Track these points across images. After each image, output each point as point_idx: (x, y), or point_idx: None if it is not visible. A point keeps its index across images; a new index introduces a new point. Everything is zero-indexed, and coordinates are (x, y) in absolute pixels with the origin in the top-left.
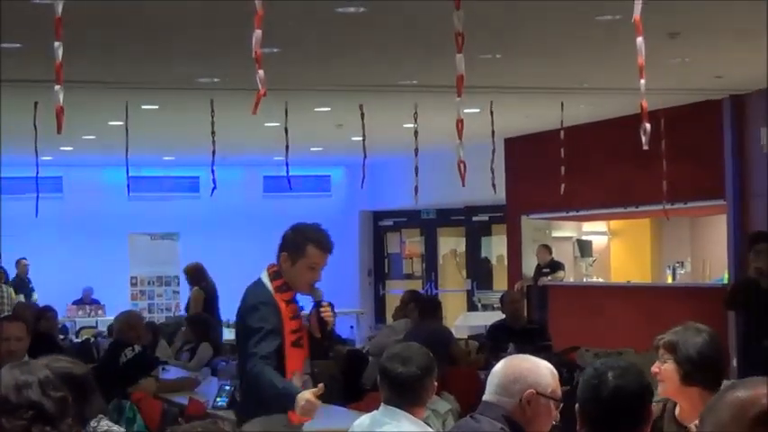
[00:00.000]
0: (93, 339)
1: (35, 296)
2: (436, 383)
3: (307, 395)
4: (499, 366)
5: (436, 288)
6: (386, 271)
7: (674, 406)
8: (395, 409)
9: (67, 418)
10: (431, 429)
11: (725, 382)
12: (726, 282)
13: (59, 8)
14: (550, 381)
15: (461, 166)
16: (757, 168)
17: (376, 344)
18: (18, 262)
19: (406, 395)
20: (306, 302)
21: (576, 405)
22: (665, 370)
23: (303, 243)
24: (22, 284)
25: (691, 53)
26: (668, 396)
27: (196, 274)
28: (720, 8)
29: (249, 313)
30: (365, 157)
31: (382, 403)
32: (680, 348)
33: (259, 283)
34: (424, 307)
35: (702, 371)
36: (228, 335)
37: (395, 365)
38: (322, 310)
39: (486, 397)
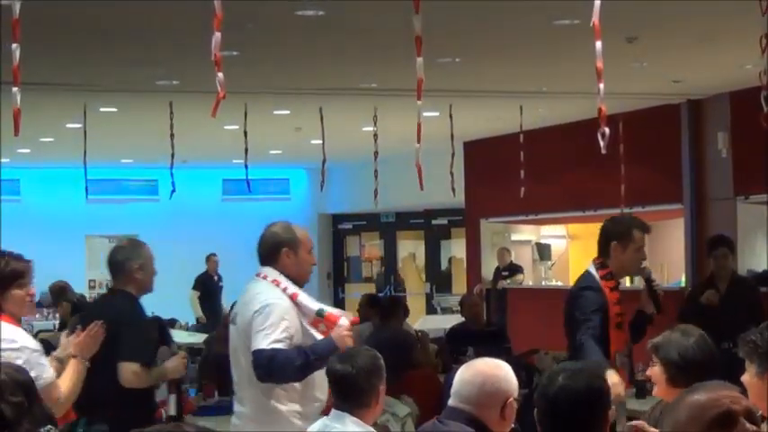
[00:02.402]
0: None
1: None
2: (383, 386)
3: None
4: (469, 376)
5: (395, 291)
6: (345, 274)
7: None
8: (342, 414)
9: (24, 423)
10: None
11: None
12: (684, 285)
13: (17, 9)
14: (516, 381)
15: (419, 169)
16: (714, 172)
17: None
18: None
19: (349, 396)
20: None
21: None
22: (653, 372)
23: (629, 229)
24: None
25: (649, 57)
26: (659, 397)
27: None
28: (678, 13)
29: (576, 299)
30: (324, 160)
31: (332, 408)
32: (663, 351)
33: (585, 274)
34: (385, 310)
35: (686, 373)
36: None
37: (335, 365)
38: (654, 285)
39: (453, 403)
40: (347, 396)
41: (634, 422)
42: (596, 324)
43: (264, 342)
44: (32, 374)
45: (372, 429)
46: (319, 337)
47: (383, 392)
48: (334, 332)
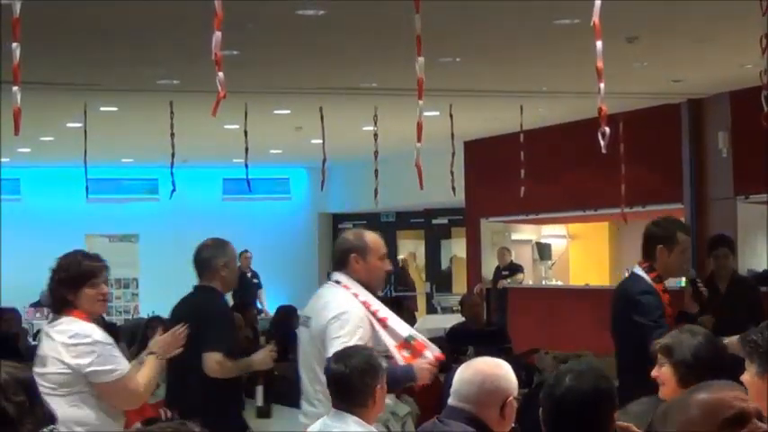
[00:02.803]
0: None
1: None
2: (381, 386)
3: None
4: (469, 375)
5: (394, 291)
6: None
7: None
8: (343, 413)
9: (27, 423)
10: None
11: None
12: (684, 285)
13: (17, 9)
14: (515, 380)
15: (418, 168)
16: (715, 172)
17: None
18: None
19: (347, 396)
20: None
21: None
22: (663, 373)
23: (673, 232)
24: None
25: (649, 57)
26: (665, 397)
27: None
28: (678, 13)
29: (637, 303)
30: (325, 159)
31: (332, 408)
32: (675, 351)
33: (636, 277)
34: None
35: (698, 373)
36: None
37: (330, 365)
38: (699, 286)
39: (453, 402)
40: (343, 396)
41: (620, 423)
42: (666, 329)
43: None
44: (108, 367)
45: (374, 429)
46: (400, 359)
47: (381, 392)
48: (416, 362)
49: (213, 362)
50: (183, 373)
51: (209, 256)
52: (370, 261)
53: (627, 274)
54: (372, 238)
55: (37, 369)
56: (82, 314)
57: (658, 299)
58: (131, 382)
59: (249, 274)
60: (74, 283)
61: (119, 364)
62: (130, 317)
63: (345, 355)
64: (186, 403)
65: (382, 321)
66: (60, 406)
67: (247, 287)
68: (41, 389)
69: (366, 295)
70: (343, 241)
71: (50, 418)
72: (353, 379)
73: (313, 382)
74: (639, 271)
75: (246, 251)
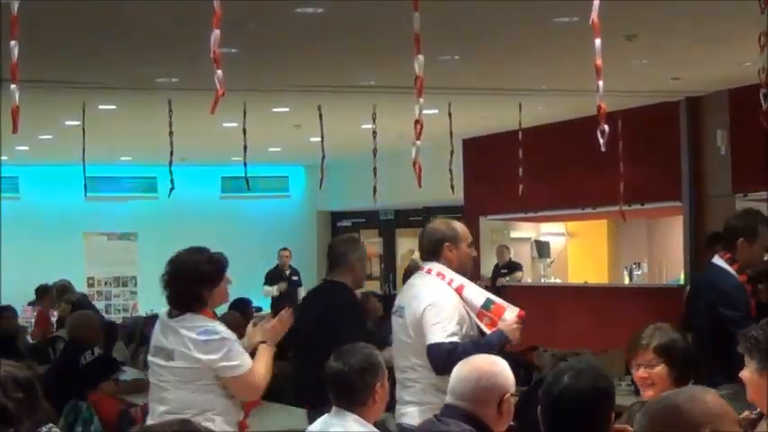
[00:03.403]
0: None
1: None
2: (381, 384)
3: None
4: (465, 373)
5: (395, 288)
6: None
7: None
8: (343, 411)
9: (26, 420)
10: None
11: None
12: (682, 282)
13: (15, 7)
14: (512, 377)
15: (417, 166)
16: (713, 170)
17: None
18: None
19: (344, 395)
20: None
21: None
22: (656, 374)
23: (755, 226)
24: None
25: (648, 55)
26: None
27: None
28: (677, 11)
29: (727, 296)
30: (323, 157)
31: (333, 406)
32: (673, 351)
33: (718, 268)
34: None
35: (692, 370)
36: None
37: (330, 362)
38: None
39: (450, 401)
40: (342, 394)
41: (617, 425)
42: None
43: (441, 335)
44: (235, 363)
45: (374, 429)
46: (485, 329)
47: (382, 390)
48: (502, 324)
49: None
50: (314, 367)
51: (344, 251)
52: (461, 249)
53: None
54: (461, 226)
55: (159, 361)
56: (208, 312)
57: (746, 292)
58: (254, 375)
59: (288, 272)
60: (211, 279)
61: (244, 359)
62: (129, 315)
63: (345, 353)
64: (318, 396)
65: (458, 290)
66: (187, 394)
67: (286, 285)
68: (165, 380)
69: (452, 274)
70: (434, 231)
71: (50, 417)
72: (353, 377)
73: (407, 370)
74: (721, 262)
75: (286, 249)
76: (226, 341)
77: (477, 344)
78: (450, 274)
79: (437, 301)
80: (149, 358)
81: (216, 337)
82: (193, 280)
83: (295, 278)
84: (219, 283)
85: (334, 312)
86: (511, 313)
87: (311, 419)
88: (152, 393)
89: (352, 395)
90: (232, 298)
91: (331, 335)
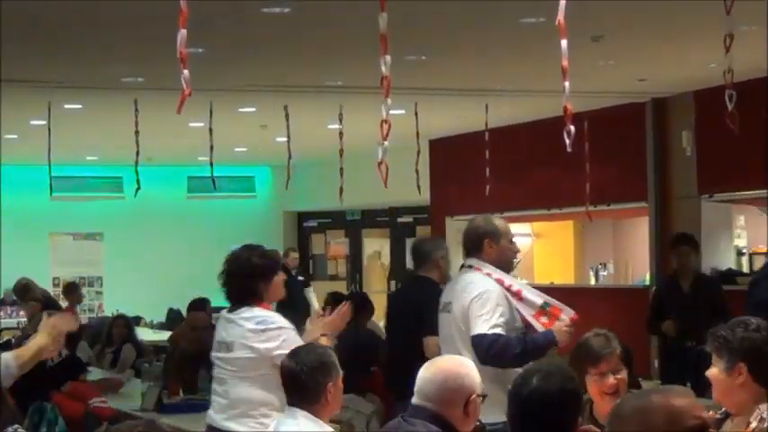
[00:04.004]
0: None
1: None
2: (334, 384)
3: None
4: (431, 374)
5: (361, 289)
6: (310, 272)
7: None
8: (294, 409)
9: None
10: (330, 429)
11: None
12: (648, 283)
13: None
14: (479, 377)
15: (382, 167)
16: (679, 171)
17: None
18: None
19: (295, 393)
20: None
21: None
22: (621, 379)
23: None
24: None
25: (614, 56)
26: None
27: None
28: (643, 12)
29: None
30: (290, 157)
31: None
32: (630, 354)
33: None
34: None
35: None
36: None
37: (284, 360)
38: None
39: (416, 401)
40: (294, 392)
41: (583, 427)
42: None
43: (485, 327)
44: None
45: (325, 425)
46: (540, 328)
47: (335, 389)
48: (554, 325)
49: (434, 345)
50: (406, 358)
51: (429, 249)
52: (502, 244)
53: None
54: (501, 222)
55: (220, 354)
56: (265, 304)
57: None
58: None
59: (294, 272)
60: (268, 273)
61: None
62: (95, 315)
63: (298, 351)
64: (406, 385)
65: (517, 294)
66: (245, 388)
67: (293, 285)
68: (226, 373)
69: (499, 273)
70: (475, 228)
71: (15, 418)
72: (304, 376)
73: None
74: None
75: (293, 249)
76: (282, 330)
77: (522, 340)
78: (487, 267)
79: (482, 294)
80: (212, 354)
81: (273, 326)
82: (248, 275)
83: (301, 278)
84: (274, 277)
85: (422, 305)
86: (565, 316)
87: (393, 411)
88: (214, 387)
89: (302, 393)
90: (191, 296)
91: (420, 326)
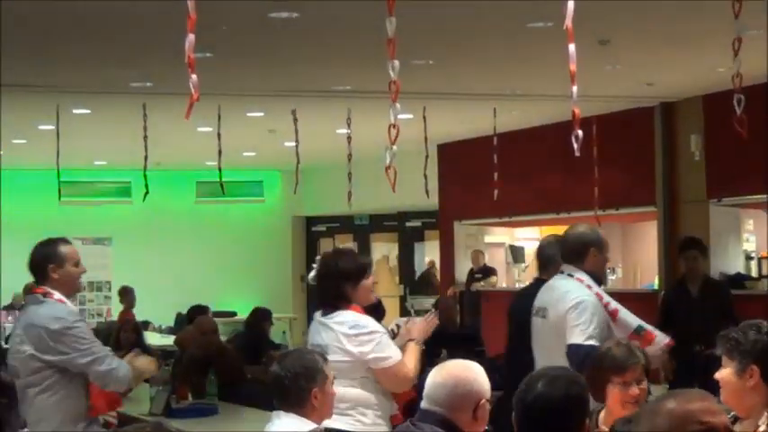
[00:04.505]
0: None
1: None
2: (320, 388)
3: None
4: (440, 378)
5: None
6: None
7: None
8: (280, 412)
9: (6, 425)
10: (313, 426)
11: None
12: (657, 287)
13: None
14: (488, 382)
15: (390, 171)
16: (687, 175)
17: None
18: None
19: (283, 398)
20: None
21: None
22: (643, 389)
23: None
24: None
25: (622, 60)
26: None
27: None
28: (651, 16)
29: None
30: (298, 162)
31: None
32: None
33: None
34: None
35: None
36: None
37: (272, 366)
38: None
39: (425, 406)
40: (279, 397)
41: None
42: None
43: (581, 337)
44: (385, 354)
45: (308, 423)
46: None
47: (322, 395)
48: (649, 349)
49: None
50: (528, 360)
51: (554, 253)
52: (603, 255)
53: None
54: (603, 233)
55: None
56: (357, 308)
57: None
58: (404, 367)
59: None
60: (355, 277)
61: (393, 351)
62: (103, 320)
63: (286, 357)
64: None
65: (613, 314)
66: (341, 388)
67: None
68: None
69: (598, 288)
70: (581, 235)
71: (21, 425)
72: (287, 381)
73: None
74: None
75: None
76: (375, 334)
77: None
78: (587, 279)
79: (579, 304)
80: None
81: (365, 331)
82: (337, 278)
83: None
84: (362, 280)
85: None
86: (660, 340)
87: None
88: None
89: (286, 398)
90: (199, 301)
91: None
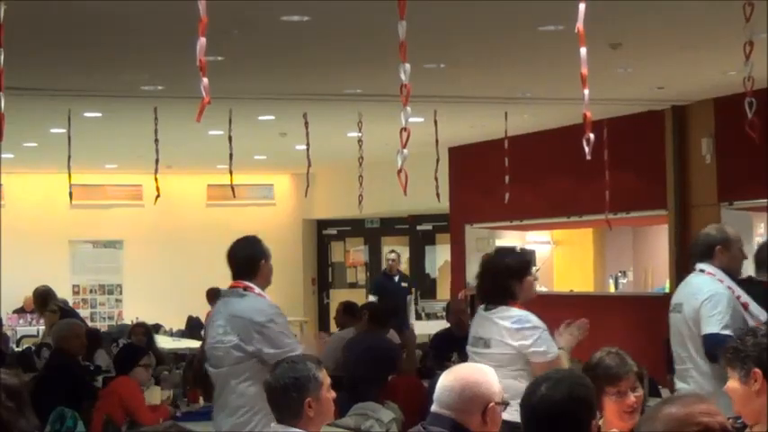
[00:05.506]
0: (33, 348)
1: None
2: (313, 398)
3: None
4: (449, 382)
5: None
6: (330, 280)
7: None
8: (277, 427)
9: (16, 428)
10: None
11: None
12: (668, 291)
13: (1, 14)
14: (499, 385)
15: (401, 174)
16: (699, 178)
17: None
18: None
19: (276, 407)
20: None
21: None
22: (639, 396)
23: None
24: None
25: (633, 64)
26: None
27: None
28: (662, 19)
29: None
30: (309, 165)
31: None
32: (641, 371)
33: None
34: (377, 317)
35: None
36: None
37: (266, 377)
38: None
39: (435, 409)
40: (274, 407)
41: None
42: None
43: (717, 327)
44: (544, 348)
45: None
46: None
47: (316, 404)
48: None
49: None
50: None
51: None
52: (733, 251)
53: (611, 281)
54: (732, 231)
55: (477, 349)
56: (518, 304)
57: None
58: (560, 362)
59: (397, 278)
60: (520, 272)
61: (551, 346)
62: (114, 323)
63: (277, 367)
64: None
65: (744, 306)
66: (507, 379)
67: (395, 292)
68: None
69: (729, 282)
70: (707, 236)
71: (35, 426)
72: (278, 392)
73: (686, 360)
74: None
75: (393, 251)
76: (536, 329)
77: None
78: (718, 274)
79: (713, 296)
80: (468, 348)
81: (528, 325)
82: (501, 274)
83: (404, 284)
84: (526, 276)
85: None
86: None
87: None
88: None
89: (280, 408)
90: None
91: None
